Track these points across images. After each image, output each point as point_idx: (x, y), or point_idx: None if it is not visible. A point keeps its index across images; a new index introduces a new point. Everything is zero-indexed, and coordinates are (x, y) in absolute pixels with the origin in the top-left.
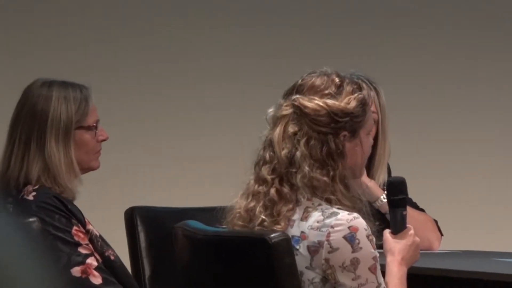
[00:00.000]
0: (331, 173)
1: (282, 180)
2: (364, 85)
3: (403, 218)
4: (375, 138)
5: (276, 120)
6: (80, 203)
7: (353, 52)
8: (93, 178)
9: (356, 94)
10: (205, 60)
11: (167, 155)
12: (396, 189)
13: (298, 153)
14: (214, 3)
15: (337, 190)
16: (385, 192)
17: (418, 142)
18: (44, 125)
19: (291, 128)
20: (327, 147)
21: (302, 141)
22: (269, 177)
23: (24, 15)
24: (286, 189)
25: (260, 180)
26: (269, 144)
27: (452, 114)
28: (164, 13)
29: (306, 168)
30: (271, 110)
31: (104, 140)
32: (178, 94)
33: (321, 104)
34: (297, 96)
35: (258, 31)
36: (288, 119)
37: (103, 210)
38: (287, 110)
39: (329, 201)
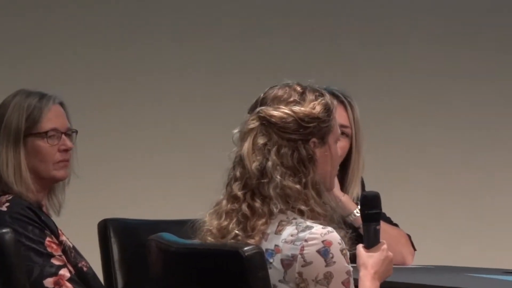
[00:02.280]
0: (303, 180)
1: (253, 194)
2: (327, 94)
3: (376, 233)
4: (349, 152)
5: (243, 135)
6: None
7: (328, 66)
8: (67, 189)
9: (319, 100)
10: (183, 76)
11: (140, 168)
12: (370, 203)
13: (269, 163)
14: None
15: (310, 197)
16: (359, 206)
17: (391, 157)
18: None
19: (260, 140)
20: (297, 154)
21: (273, 151)
22: (240, 193)
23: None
24: (258, 204)
25: (231, 198)
26: (239, 160)
27: (427, 128)
28: (154, 24)
29: (278, 177)
30: (236, 131)
31: (66, 149)
32: (153, 108)
33: (287, 111)
34: (262, 107)
35: (244, 47)
36: (256, 131)
37: (77, 221)
38: (254, 123)
39: (301, 212)
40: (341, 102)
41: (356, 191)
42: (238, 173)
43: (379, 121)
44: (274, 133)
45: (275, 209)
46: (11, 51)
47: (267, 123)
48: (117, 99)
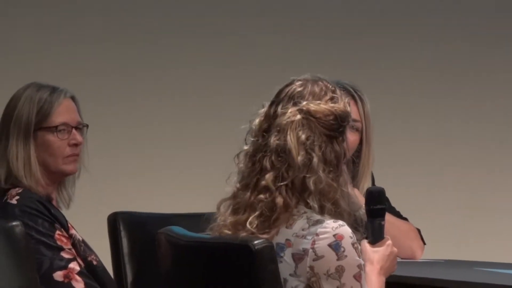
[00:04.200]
0: (338, 178)
1: (287, 187)
2: (344, 90)
3: (381, 228)
4: (359, 147)
5: (282, 127)
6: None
7: (339, 60)
8: (77, 182)
9: (346, 99)
10: (192, 69)
11: (151, 161)
12: (375, 199)
13: (315, 159)
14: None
15: (340, 196)
16: None
17: (403, 151)
18: (9, 125)
19: (303, 134)
20: (334, 151)
21: (317, 146)
22: (272, 185)
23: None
24: (291, 197)
25: (260, 189)
26: (275, 151)
27: (438, 124)
28: (157, 20)
29: (321, 173)
30: (258, 120)
31: (76, 144)
32: (163, 102)
33: (329, 108)
34: (304, 102)
35: (247, 40)
36: (297, 124)
37: (86, 215)
38: (296, 116)
39: (323, 208)
40: (352, 96)
41: (367, 185)
42: (268, 165)
43: (390, 115)
44: (317, 128)
45: (310, 203)
46: (19, 45)
47: (310, 118)
48: (129, 94)
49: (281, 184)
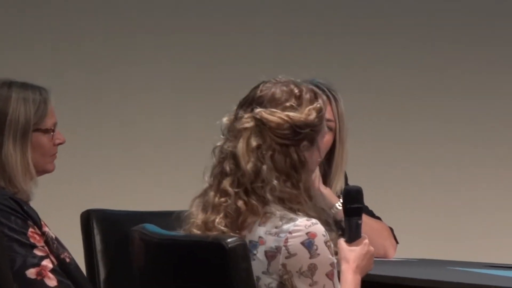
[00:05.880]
0: (296, 184)
1: (247, 192)
2: (318, 90)
3: (358, 227)
4: (333, 146)
5: (236, 132)
6: (36, 205)
7: (314, 59)
8: (50, 180)
9: (315, 104)
10: (164, 66)
11: (124, 159)
12: (352, 198)
13: (264, 167)
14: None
15: (303, 202)
16: (341, 199)
17: (375, 150)
18: (2, 126)
19: (254, 142)
20: (290, 159)
21: (267, 155)
22: (231, 189)
23: None
24: (254, 201)
25: (220, 192)
26: (231, 156)
27: (410, 122)
28: (130, 14)
29: (274, 181)
30: (225, 119)
31: (60, 143)
32: (136, 98)
33: (283, 117)
34: (259, 109)
35: (220, 37)
36: (250, 132)
37: (59, 212)
38: (249, 123)
39: (294, 211)
40: (326, 95)
41: (340, 184)
42: (228, 168)
43: (363, 115)
44: (269, 136)
45: (273, 209)
46: None
47: (262, 126)
48: (99, 91)
49: (238, 189)
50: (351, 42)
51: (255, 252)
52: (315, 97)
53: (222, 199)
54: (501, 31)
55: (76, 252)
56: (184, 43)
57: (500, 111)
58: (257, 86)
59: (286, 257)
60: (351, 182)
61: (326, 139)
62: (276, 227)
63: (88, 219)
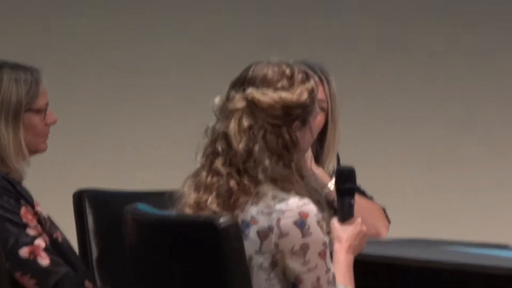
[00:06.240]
0: (288, 164)
1: (239, 172)
2: (310, 71)
3: (351, 207)
4: (325, 126)
5: (228, 113)
6: (29, 184)
7: (308, 40)
8: (43, 160)
9: (306, 85)
10: (155, 46)
11: (116, 138)
12: (345, 178)
13: (256, 147)
14: None
15: (295, 182)
16: (333, 179)
17: (368, 130)
18: None
19: (246, 122)
20: (282, 139)
21: (259, 135)
22: (223, 169)
23: None
24: (246, 181)
25: (212, 172)
26: (223, 136)
27: (403, 102)
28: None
29: (266, 161)
30: (218, 99)
31: (52, 123)
32: (128, 78)
33: (275, 98)
34: (250, 89)
35: (205, 15)
36: (242, 112)
37: (52, 192)
38: (241, 103)
39: (286, 191)
40: (318, 76)
41: (332, 165)
42: (220, 148)
43: (355, 96)
44: (260, 117)
45: (265, 189)
46: None
47: (254, 107)
48: (94, 70)
49: (231, 169)
50: (343, 22)
51: (247, 231)
52: (307, 78)
53: (214, 179)
54: None
55: (69, 232)
56: (175, 19)
57: (495, 93)
58: (249, 67)
59: (279, 237)
60: (343, 162)
61: (318, 120)
62: (268, 207)
63: (80, 198)
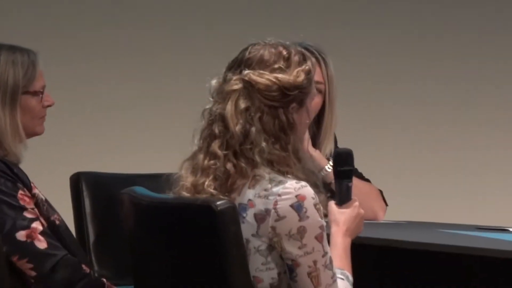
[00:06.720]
0: (285, 146)
1: (236, 155)
2: (307, 52)
3: (349, 190)
4: (322, 109)
5: (225, 94)
6: (26, 167)
7: (305, 21)
8: (40, 142)
9: (303, 66)
10: (152, 30)
11: (114, 121)
12: (343, 161)
13: (253, 129)
14: None
15: (292, 164)
16: (330, 162)
17: (365, 113)
18: None
19: (243, 103)
20: (278, 121)
21: (256, 117)
22: (220, 152)
23: None
24: (243, 164)
25: (209, 154)
26: (220, 118)
27: (400, 86)
28: None
29: (263, 143)
30: (214, 81)
31: (49, 105)
32: (123, 61)
33: (272, 79)
34: (247, 71)
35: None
36: (239, 94)
37: (49, 175)
38: (237, 85)
39: (283, 174)
40: (316, 58)
41: (329, 147)
42: (217, 131)
43: (353, 78)
44: (257, 99)
45: (262, 171)
46: None
47: (250, 88)
48: (89, 52)
49: (227, 151)
50: (341, 5)
51: (244, 215)
52: (303, 59)
53: (211, 162)
54: None
55: (66, 214)
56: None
57: (494, 75)
58: (246, 48)
59: (276, 220)
60: (340, 145)
61: (315, 101)
62: (265, 190)
63: (77, 181)
